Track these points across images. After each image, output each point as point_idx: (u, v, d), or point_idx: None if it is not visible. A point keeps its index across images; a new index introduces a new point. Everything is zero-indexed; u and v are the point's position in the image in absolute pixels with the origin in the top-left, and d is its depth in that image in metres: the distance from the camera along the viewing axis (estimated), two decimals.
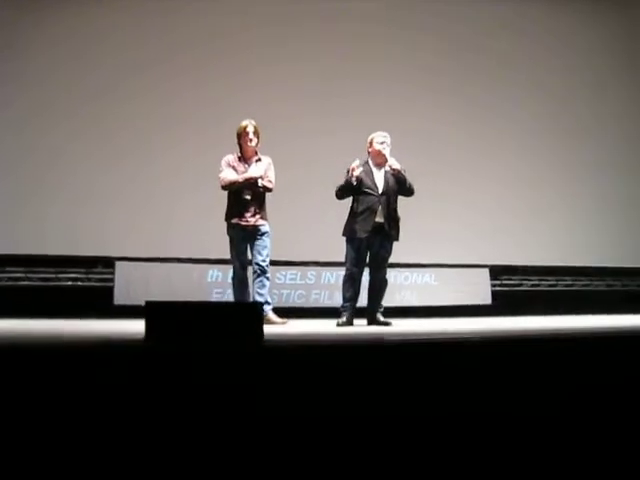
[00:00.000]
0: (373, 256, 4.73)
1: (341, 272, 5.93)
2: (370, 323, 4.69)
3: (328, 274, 6.38)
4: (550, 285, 7.57)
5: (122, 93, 6.08)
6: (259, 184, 4.62)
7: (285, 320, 4.65)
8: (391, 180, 4.71)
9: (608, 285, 7.78)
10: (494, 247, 7.01)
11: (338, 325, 4.54)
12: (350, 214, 4.72)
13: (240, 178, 4.60)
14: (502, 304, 6.86)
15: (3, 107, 5.83)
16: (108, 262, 6.05)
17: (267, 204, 4.77)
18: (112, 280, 5.96)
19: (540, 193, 7.29)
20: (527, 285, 7.48)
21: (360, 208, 4.64)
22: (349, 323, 4.62)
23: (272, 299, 4.91)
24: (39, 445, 1.52)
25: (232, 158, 4.69)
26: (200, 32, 6.31)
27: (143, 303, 2.46)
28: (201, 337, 2.16)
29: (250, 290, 4.70)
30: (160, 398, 1.70)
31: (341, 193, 4.71)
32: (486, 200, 6.97)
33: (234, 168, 4.63)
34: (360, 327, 4.49)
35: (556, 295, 7.41)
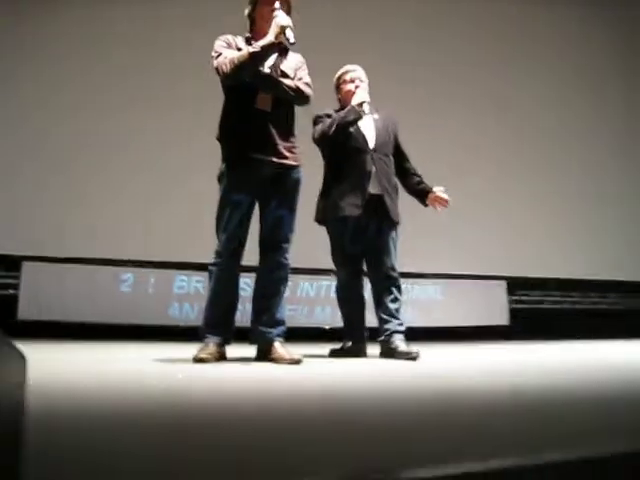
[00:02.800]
0: (370, 247, 3.12)
1: (325, 282, 4.38)
2: (383, 354, 3.03)
3: (307, 285, 4.91)
4: (574, 302, 6.35)
5: None
6: (288, 38, 2.54)
7: (298, 357, 2.58)
8: (383, 130, 3.22)
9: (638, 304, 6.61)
10: (511, 256, 5.89)
11: (331, 354, 3.10)
12: (327, 185, 3.16)
13: (256, 47, 2.57)
14: (520, 324, 5.82)
15: None
16: (12, 263, 4.54)
17: None
18: (16, 287, 4.48)
19: (565, 195, 6.24)
20: (548, 302, 6.22)
21: (344, 173, 3.08)
22: (352, 353, 3.06)
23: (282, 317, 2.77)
24: None
25: (237, 39, 2.73)
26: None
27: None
28: None
29: (238, 289, 2.74)
30: None
31: (334, 132, 3.01)
32: (502, 201, 5.90)
33: (239, 51, 2.66)
34: (362, 363, 2.86)
35: (580, 314, 6.29)
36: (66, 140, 4.71)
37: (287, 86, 2.64)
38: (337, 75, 3.30)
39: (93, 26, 4.89)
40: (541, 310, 6.16)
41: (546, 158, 6.20)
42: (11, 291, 4.50)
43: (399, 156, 3.28)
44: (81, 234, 4.57)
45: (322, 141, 3.12)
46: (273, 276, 2.70)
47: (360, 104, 3.04)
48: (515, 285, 5.97)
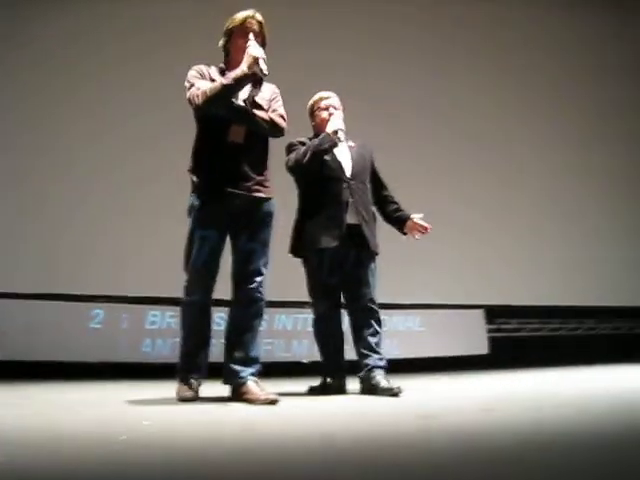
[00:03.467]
0: (349, 278, 3.01)
1: (301, 315, 4.29)
2: (365, 390, 2.91)
3: (284, 317, 4.81)
4: (553, 330, 6.35)
5: None
6: (261, 69, 2.51)
7: (274, 397, 2.44)
8: (359, 158, 3.16)
9: (615, 328, 6.63)
10: (489, 284, 5.84)
11: (310, 391, 2.98)
12: (302, 216, 3.07)
13: (228, 79, 2.52)
14: (499, 353, 5.80)
15: None
16: None
17: None
18: None
19: (542, 220, 6.16)
20: (527, 330, 6.22)
21: (320, 203, 2.99)
22: (331, 390, 2.93)
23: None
24: None
25: (211, 69, 2.69)
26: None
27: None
28: None
29: (211, 326, 2.67)
30: None
31: (309, 160, 2.93)
32: (479, 227, 5.84)
33: (213, 82, 2.61)
34: (343, 402, 2.75)
35: (559, 341, 6.35)
36: (35, 173, 4.57)
37: (260, 118, 2.59)
38: (311, 102, 3.24)
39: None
40: (520, 338, 6.13)
41: (521, 183, 6.21)
42: None
43: (376, 184, 3.23)
44: (48, 269, 4.42)
45: (296, 170, 3.04)
46: (246, 311, 2.60)
47: (335, 131, 2.97)
48: (492, 313, 5.94)
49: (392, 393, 2.73)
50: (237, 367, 2.55)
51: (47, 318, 4.27)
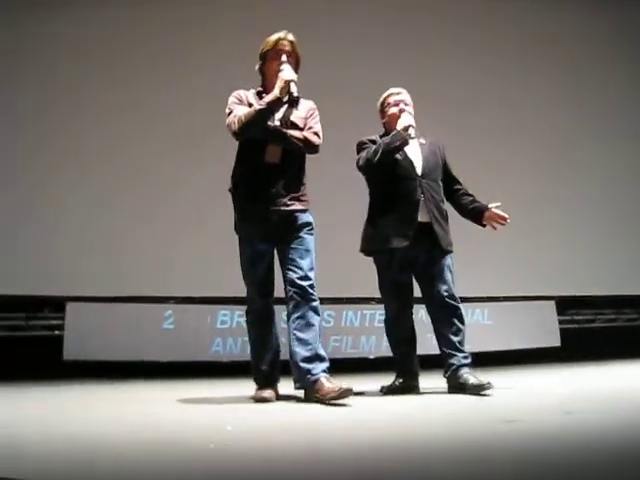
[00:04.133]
0: (423, 275, 2.99)
1: (369, 311, 4.27)
2: (452, 388, 2.87)
3: (351, 314, 4.81)
4: (629, 320, 6.08)
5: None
6: (292, 91, 2.64)
7: (347, 387, 2.48)
8: (430, 155, 3.08)
9: None
10: (560, 274, 5.62)
11: (382, 391, 2.93)
12: (372, 214, 3.04)
13: (262, 104, 2.64)
14: (573, 345, 5.58)
15: None
16: (56, 304, 4.58)
17: None
18: (61, 327, 4.50)
19: (614, 207, 5.94)
20: (601, 320, 5.98)
21: (391, 201, 2.95)
22: (399, 390, 2.90)
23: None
24: None
25: (249, 94, 2.80)
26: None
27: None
28: None
29: (277, 331, 2.83)
30: None
31: (380, 159, 2.89)
32: (548, 217, 5.66)
33: (251, 107, 2.72)
34: (433, 398, 2.77)
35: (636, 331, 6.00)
36: (110, 178, 4.74)
37: (295, 138, 2.69)
38: (381, 99, 3.19)
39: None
40: (593, 329, 5.91)
41: (592, 175, 5.96)
42: (57, 332, 4.52)
43: (449, 180, 3.15)
44: (121, 273, 4.58)
45: (367, 169, 2.99)
46: (304, 316, 2.65)
47: (406, 128, 2.91)
48: (564, 304, 5.75)
49: (483, 389, 2.70)
50: (307, 365, 2.58)
51: (121, 320, 4.44)
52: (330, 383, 2.50)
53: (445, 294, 2.92)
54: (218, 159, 4.05)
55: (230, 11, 5.06)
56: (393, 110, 3.07)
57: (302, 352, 2.59)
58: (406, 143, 2.93)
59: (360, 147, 3.06)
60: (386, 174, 2.97)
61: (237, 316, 4.62)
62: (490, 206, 3.08)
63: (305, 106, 2.80)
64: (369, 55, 5.20)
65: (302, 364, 2.57)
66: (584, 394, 2.82)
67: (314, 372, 2.55)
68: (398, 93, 3.13)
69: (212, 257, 4.61)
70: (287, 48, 2.72)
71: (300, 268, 2.65)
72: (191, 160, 4.77)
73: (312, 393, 2.54)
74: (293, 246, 2.68)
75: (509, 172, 5.59)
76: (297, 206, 2.71)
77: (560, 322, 5.65)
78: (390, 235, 2.92)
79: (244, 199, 2.70)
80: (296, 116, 2.74)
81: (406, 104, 3.07)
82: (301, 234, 2.70)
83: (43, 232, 4.56)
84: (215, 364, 4.55)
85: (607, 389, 3.02)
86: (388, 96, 3.15)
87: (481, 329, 5.20)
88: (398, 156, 2.98)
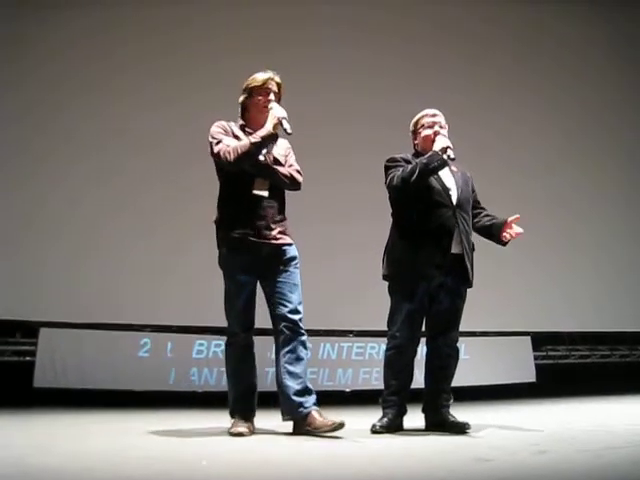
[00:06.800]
0: (438, 309, 2.87)
1: (346, 344, 4.30)
2: (432, 425, 2.86)
3: (328, 346, 4.80)
4: (602, 357, 6.17)
5: None
6: (285, 129, 2.67)
7: (340, 421, 2.54)
8: (464, 186, 2.94)
9: None
10: (535, 310, 5.71)
11: (374, 431, 2.77)
12: (400, 240, 2.89)
13: (256, 138, 2.66)
14: (547, 380, 5.71)
15: None
16: (29, 329, 4.50)
17: None
18: (33, 353, 4.42)
19: (590, 244, 6.02)
20: (575, 357, 6.07)
21: (423, 228, 2.82)
22: (392, 427, 2.79)
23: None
24: None
25: (232, 125, 2.82)
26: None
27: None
28: None
29: (255, 365, 2.79)
30: None
31: (417, 179, 2.75)
32: (524, 253, 5.61)
33: (237, 139, 2.75)
34: (411, 436, 2.72)
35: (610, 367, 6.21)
36: (87, 206, 4.71)
37: (282, 174, 2.74)
38: (415, 119, 3.04)
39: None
40: (568, 365, 5.98)
41: (568, 205, 6.07)
42: (28, 358, 4.44)
43: (475, 204, 3.07)
44: (98, 299, 4.53)
45: (402, 188, 2.81)
46: (294, 350, 2.67)
47: (444, 149, 2.79)
48: (539, 340, 5.81)
49: (461, 429, 2.72)
50: (299, 399, 2.61)
51: (97, 347, 4.37)
52: (321, 417, 2.57)
53: (454, 340, 2.91)
54: (200, 189, 4.08)
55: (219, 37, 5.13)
56: (427, 132, 2.94)
57: (294, 385, 2.62)
58: (445, 164, 2.82)
59: (390, 164, 2.92)
60: (420, 198, 2.84)
61: (214, 346, 4.60)
62: (510, 220, 2.98)
63: (282, 143, 2.86)
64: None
65: (294, 397, 2.61)
66: (557, 432, 2.83)
67: (306, 405, 2.59)
68: (433, 115, 2.99)
69: (190, 286, 4.59)
70: (274, 89, 2.78)
71: (290, 302, 2.68)
72: (171, 190, 4.78)
73: (304, 426, 2.58)
74: (281, 280, 2.69)
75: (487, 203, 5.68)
76: (285, 240, 2.74)
77: (535, 357, 5.73)
78: (421, 262, 2.80)
79: (231, 231, 2.69)
80: (277, 152, 2.79)
81: (441, 126, 2.95)
82: (289, 268, 2.72)
83: (17, 254, 4.51)
84: (190, 394, 4.49)
85: (580, 427, 3.04)
86: (422, 117, 3.01)
87: (458, 364, 5.22)
88: (434, 182, 2.86)
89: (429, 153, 2.84)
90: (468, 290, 2.97)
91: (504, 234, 2.97)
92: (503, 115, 5.95)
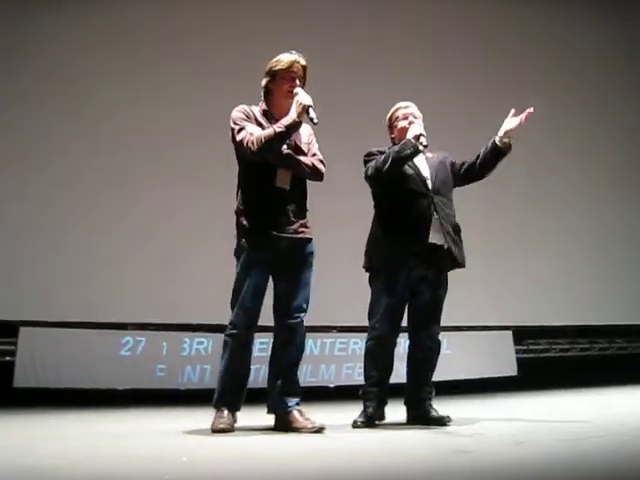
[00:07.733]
0: (419, 302, 2.89)
1: (329, 339, 4.31)
2: (413, 419, 2.88)
3: (311, 342, 4.79)
4: (582, 350, 6.25)
5: None
6: (311, 118, 2.55)
7: (320, 425, 2.55)
8: (440, 169, 2.94)
9: None
10: (517, 304, 5.74)
11: (355, 426, 2.78)
12: (379, 230, 2.91)
13: (281, 127, 2.53)
14: (528, 374, 5.70)
15: None
16: (9, 328, 4.42)
17: None
18: (13, 353, 4.36)
19: (570, 238, 6.08)
20: (555, 350, 6.13)
21: (400, 218, 2.83)
22: (374, 420, 2.81)
23: None
24: None
25: (255, 111, 2.69)
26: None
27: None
28: None
29: (250, 362, 2.73)
30: None
31: (389, 168, 2.76)
32: (506, 246, 5.78)
33: (260, 126, 2.63)
34: (392, 430, 2.74)
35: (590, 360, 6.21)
36: (64, 204, 4.65)
37: (305, 164, 2.65)
38: (389, 114, 3.07)
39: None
40: (549, 359, 6.05)
41: (549, 203, 6.11)
42: (7, 358, 4.38)
43: (460, 166, 3.04)
44: (79, 298, 4.49)
45: (376, 179, 2.86)
46: (291, 346, 2.68)
47: (417, 137, 2.80)
48: (521, 334, 5.86)
49: (442, 423, 2.76)
50: (284, 398, 2.63)
51: (78, 346, 4.33)
52: (303, 417, 2.58)
53: (436, 332, 2.93)
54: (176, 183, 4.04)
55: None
56: (402, 124, 2.95)
57: (283, 384, 2.65)
58: (418, 152, 2.82)
59: (368, 157, 2.95)
60: (395, 188, 2.85)
61: (196, 344, 4.57)
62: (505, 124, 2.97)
63: (305, 130, 2.73)
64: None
65: (279, 394, 2.64)
66: (536, 424, 2.87)
67: (289, 404, 2.61)
68: (406, 107, 3.02)
69: (171, 284, 4.57)
70: (300, 73, 2.64)
71: (295, 302, 2.65)
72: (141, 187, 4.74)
73: (285, 424, 2.60)
74: (293, 278, 2.66)
75: (466, 199, 5.70)
76: (306, 234, 2.68)
77: (517, 351, 5.78)
78: (399, 254, 2.81)
79: (252, 224, 2.61)
80: (300, 141, 2.68)
81: (415, 117, 2.97)
82: (304, 265, 2.68)
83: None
84: (173, 392, 4.47)
85: (558, 418, 3.09)
86: (396, 110, 3.04)
87: (440, 358, 5.25)
88: (408, 170, 2.87)
89: (402, 141, 2.85)
90: (451, 282, 2.99)
91: (510, 128, 2.94)
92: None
